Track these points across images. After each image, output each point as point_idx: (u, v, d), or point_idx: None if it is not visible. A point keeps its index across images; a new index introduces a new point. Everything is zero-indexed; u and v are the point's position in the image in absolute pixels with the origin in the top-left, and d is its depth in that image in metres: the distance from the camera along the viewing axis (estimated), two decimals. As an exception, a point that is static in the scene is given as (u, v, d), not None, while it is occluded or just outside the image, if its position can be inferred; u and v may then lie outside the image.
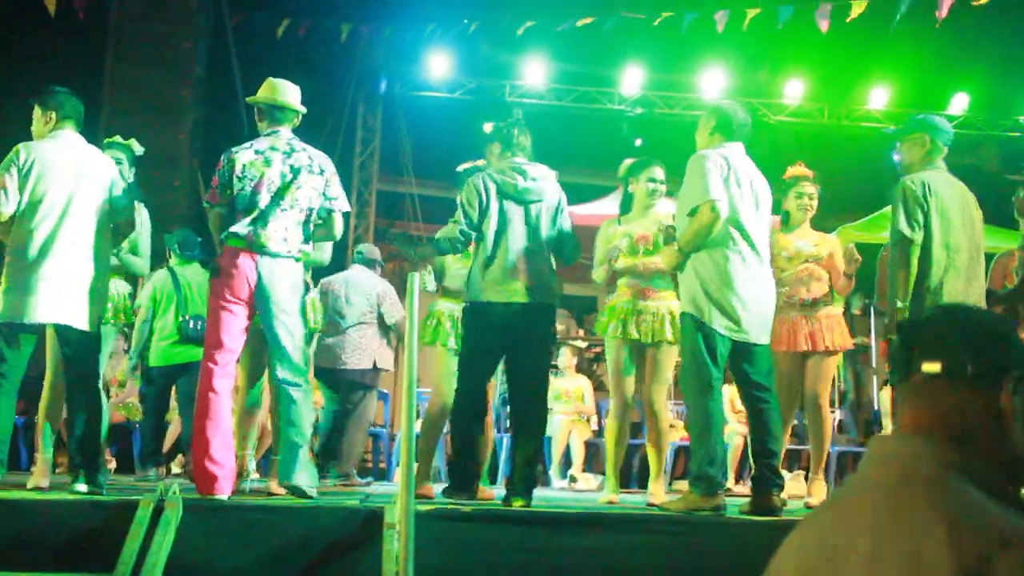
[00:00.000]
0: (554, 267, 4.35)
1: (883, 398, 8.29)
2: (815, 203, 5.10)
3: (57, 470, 6.42)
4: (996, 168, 13.50)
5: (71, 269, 3.95)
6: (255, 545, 3.28)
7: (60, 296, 3.90)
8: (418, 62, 11.54)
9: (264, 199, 3.92)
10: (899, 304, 3.98)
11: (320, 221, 4.10)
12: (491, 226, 4.20)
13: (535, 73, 11.55)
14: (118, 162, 4.55)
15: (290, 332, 3.94)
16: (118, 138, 4.94)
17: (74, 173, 4.03)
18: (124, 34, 10.52)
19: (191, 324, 5.85)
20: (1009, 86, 12.21)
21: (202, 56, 10.88)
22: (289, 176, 3.96)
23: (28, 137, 4.16)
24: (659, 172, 4.81)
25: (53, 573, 3.05)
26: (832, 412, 8.48)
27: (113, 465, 7.16)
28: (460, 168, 4.96)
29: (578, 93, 11.72)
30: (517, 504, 3.92)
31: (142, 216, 4.73)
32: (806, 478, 5.26)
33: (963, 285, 4.04)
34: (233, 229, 3.91)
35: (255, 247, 3.88)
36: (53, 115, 4.14)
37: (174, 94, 10.45)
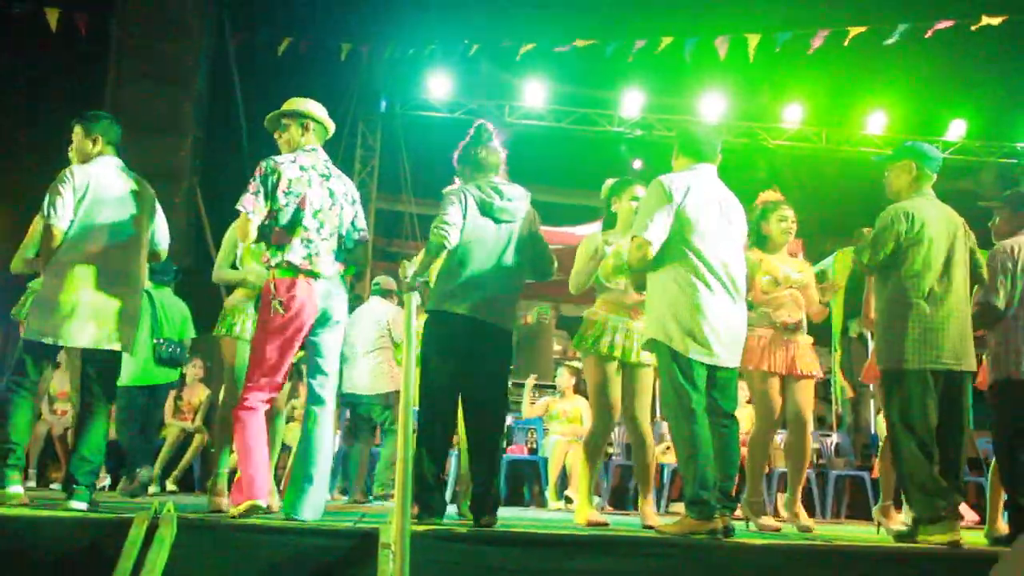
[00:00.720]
0: (519, 291, 4.35)
1: (880, 422, 8.27)
2: (795, 226, 5.20)
3: (51, 485, 6.40)
4: (993, 193, 13.56)
5: (111, 295, 4.04)
6: (249, 564, 3.25)
7: (97, 320, 4.00)
8: (418, 82, 11.61)
9: (310, 221, 3.89)
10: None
11: (349, 248, 4.10)
12: (465, 239, 4.17)
13: (535, 94, 11.61)
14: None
15: (336, 351, 3.99)
16: None
17: (120, 199, 4.15)
18: (125, 51, 10.56)
19: (165, 347, 5.94)
20: (1006, 112, 12.30)
21: (203, 73, 10.92)
22: (329, 201, 3.96)
23: (30, 152, 4.20)
24: (641, 191, 4.80)
25: (45, 590, 3.02)
26: (829, 436, 8.49)
27: (107, 482, 7.13)
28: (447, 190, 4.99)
29: (577, 115, 11.79)
30: (485, 523, 3.93)
31: None
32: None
33: (945, 307, 4.17)
34: (287, 258, 3.84)
35: (310, 274, 3.86)
36: (100, 139, 4.27)
37: (175, 111, 10.48)
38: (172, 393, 7.88)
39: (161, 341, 5.82)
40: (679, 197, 3.95)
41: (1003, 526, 4.76)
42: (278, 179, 3.86)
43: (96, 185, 4.10)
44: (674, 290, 3.93)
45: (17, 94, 10.15)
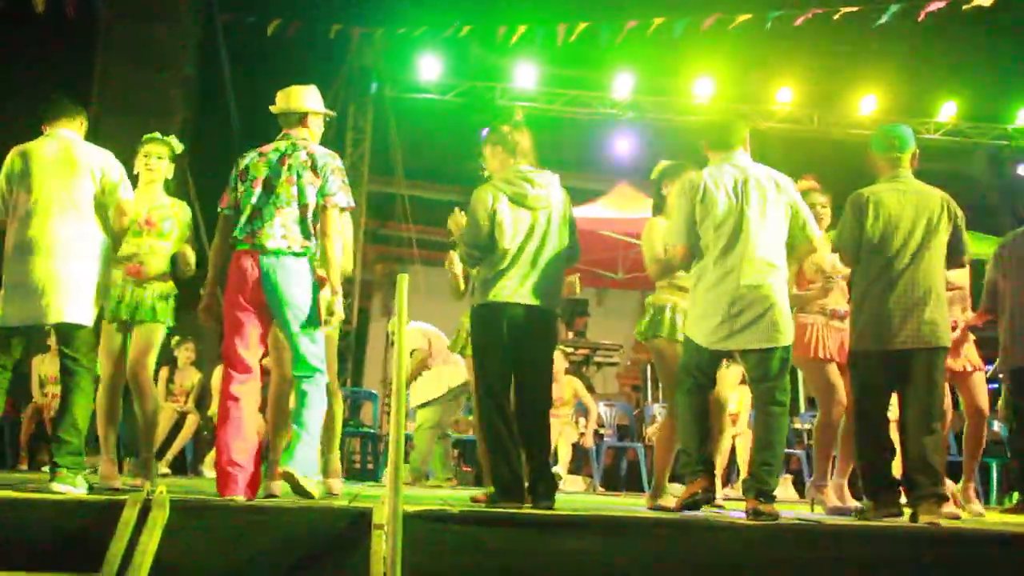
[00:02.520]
0: (561, 275, 4.41)
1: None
2: (828, 212, 5.18)
3: (43, 468, 6.39)
4: (984, 175, 13.59)
5: (67, 266, 4.00)
6: (242, 545, 3.26)
7: (58, 295, 3.97)
8: (409, 64, 11.54)
9: (257, 196, 3.95)
10: None
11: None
12: (504, 235, 4.22)
13: (526, 76, 11.55)
14: (158, 158, 4.82)
15: (298, 328, 3.93)
16: (157, 134, 4.98)
17: (63, 168, 4.09)
18: (113, 33, 10.46)
19: None
20: (996, 95, 12.30)
21: (192, 56, 10.83)
22: (284, 173, 3.96)
23: (16, 133, 4.19)
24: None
25: (38, 573, 3.02)
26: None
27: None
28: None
29: (569, 97, 11.75)
30: (544, 507, 4.00)
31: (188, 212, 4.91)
32: (795, 483, 5.28)
33: (899, 287, 4.21)
34: (235, 234, 3.96)
35: (255, 246, 3.90)
36: (47, 122, 4.27)
37: (163, 94, 10.39)
38: (164, 376, 7.89)
39: None
40: (698, 195, 4.13)
41: None
42: (238, 169, 4.04)
43: (31, 159, 4.09)
44: (699, 277, 4.15)
45: (2, 79, 10.06)
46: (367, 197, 11.55)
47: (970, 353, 5.45)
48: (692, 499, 4.00)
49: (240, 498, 3.68)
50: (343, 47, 11.21)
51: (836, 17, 8.91)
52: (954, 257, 4.38)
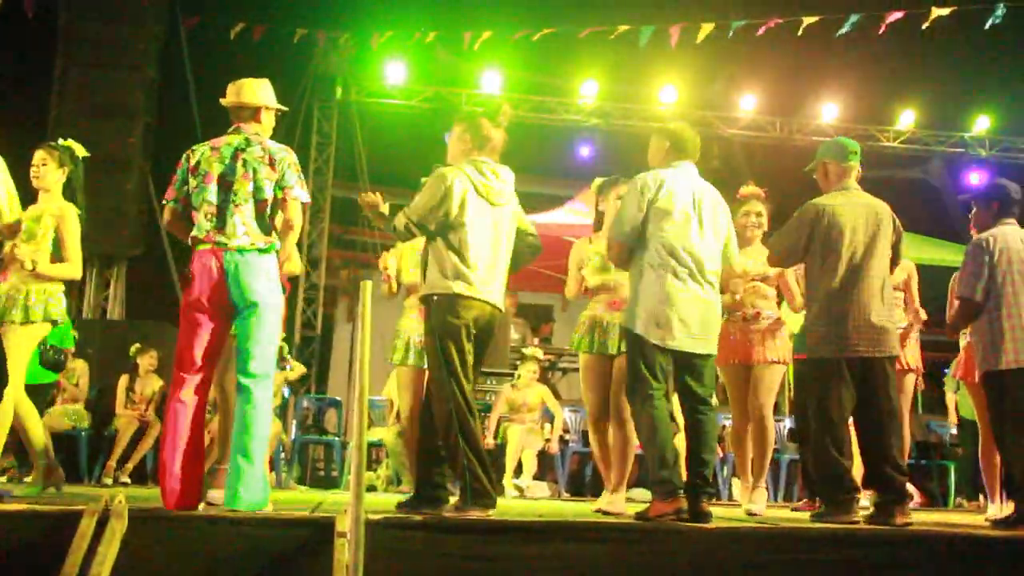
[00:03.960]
0: (507, 274, 4.32)
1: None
2: (764, 221, 5.31)
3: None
4: (942, 182, 13.82)
5: None
6: (203, 556, 3.22)
7: None
8: (375, 69, 11.51)
9: (213, 193, 3.85)
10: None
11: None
12: (464, 223, 4.08)
13: (492, 82, 11.57)
14: (42, 164, 4.67)
15: (256, 327, 3.81)
16: (60, 140, 4.88)
17: None
18: (74, 34, 10.30)
19: (52, 353, 6.21)
20: (954, 103, 12.52)
21: (154, 58, 10.71)
22: (240, 170, 3.88)
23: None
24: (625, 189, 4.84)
25: (-8, 586, 2.97)
26: (781, 420, 8.60)
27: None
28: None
29: (534, 103, 11.78)
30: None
31: (71, 216, 4.71)
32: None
33: (857, 296, 4.30)
34: (194, 233, 3.86)
35: (218, 244, 3.81)
36: None
37: (125, 96, 10.26)
38: (123, 383, 7.78)
39: (48, 347, 5.98)
40: (651, 193, 4.12)
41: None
42: (188, 163, 3.93)
43: None
44: (645, 279, 4.10)
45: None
46: (332, 202, 11.50)
47: (909, 354, 5.59)
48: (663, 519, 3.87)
49: (197, 510, 3.61)
50: (308, 51, 11.17)
51: (800, 32, 9.02)
52: (894, 265, 4.51)
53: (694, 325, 4.05)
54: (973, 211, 4.87)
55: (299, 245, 11.24)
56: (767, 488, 5.48)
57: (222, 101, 4.10)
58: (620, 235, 4.17)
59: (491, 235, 4.14)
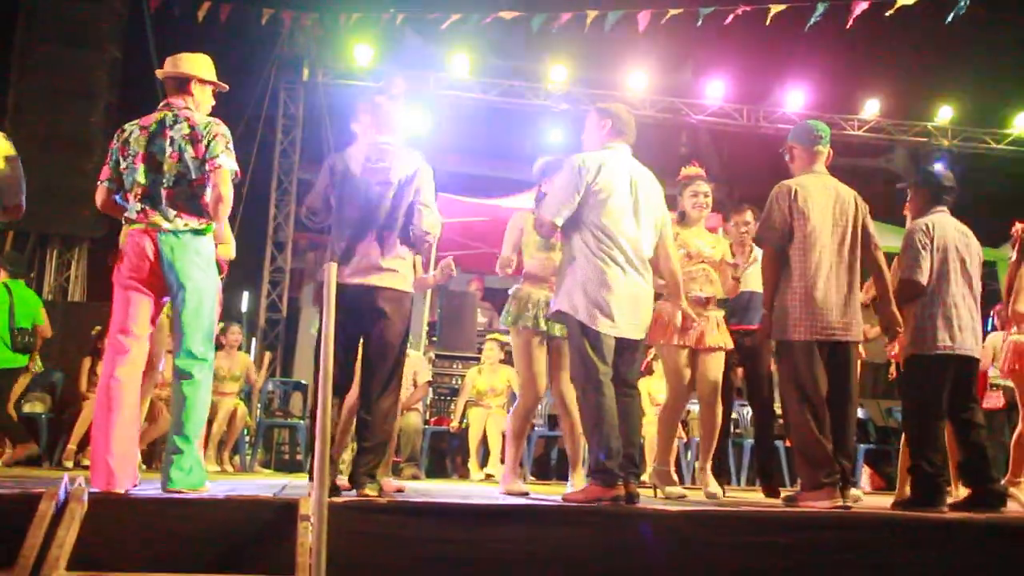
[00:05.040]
0: (409, 251, 4.24)
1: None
2: (709, 201, 5.33)
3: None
4: (906, 170, 13.99)
5: None
6: (165, 538, 3.20)
7: None
8: (341, 51, 11.40)
9: (142, 174, 3.79)
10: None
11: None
12: (347, 206, 4.11)
13: (461, 66, 11.52)
14: None
15: (194, 309, 3.77)
16: None
17: None
18: (36, 13, 10.12)
19: (21, 336, 6.39)
20: (917, 92, 12.65)
21: (118, 38, 10.55)
22: (168, 149, 3.80)
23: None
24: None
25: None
26: (746, 405, 8.69)
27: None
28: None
29: (503, 87, 11.75)
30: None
31: None
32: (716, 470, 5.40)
33: (830, 279, 4.34)
34: (126, 214, 3.83)
35: (151, 226, 3.76)
36: None
37: (88, 76, 10.11)
38: (87, 365, 7.70)
39: (17, 330, 6.00)
40: (590, 176, 4.08)
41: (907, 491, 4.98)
42: (119, 141, 3.86)
43: None
44: (582, 264, 4.08)
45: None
46: (298, 184, 11.40)
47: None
48: (617, 502, 3.90)
49: (120, 491, 3.56)
50: (275, 32, 11.03)
51: (767, 22, 9.07)
52: (867, 250, 4.51)
53: (630, 312, 4.08)
54: (909, 197, 4.95)
55: (264, 228, 11.24)
56: (731, 472, 5.55)
57: (157, 72, 4.02)
58: (555, 215, 4.12)
59: (373, 213, 4.11)
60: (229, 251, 4.77)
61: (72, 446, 7.32)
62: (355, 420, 4.29)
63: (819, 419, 4.28)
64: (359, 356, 4.18)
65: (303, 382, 9.47)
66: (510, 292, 4.95)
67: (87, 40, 10.09)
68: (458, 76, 11.57)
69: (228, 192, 3.83)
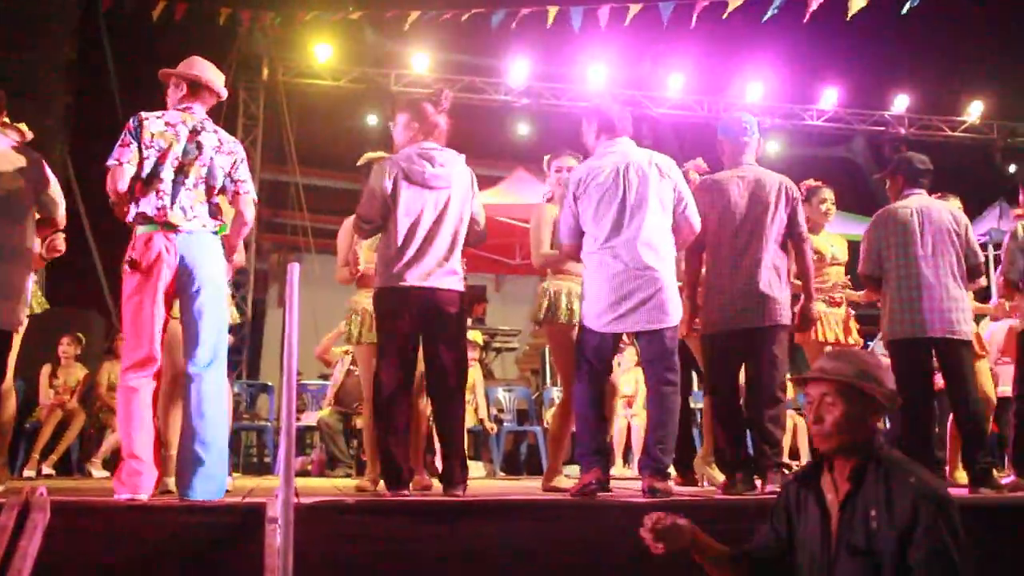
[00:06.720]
0: (460, 254, 4.32)
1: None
2: (834, 208, 5.63)
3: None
4: (866, 160, 14.17)
5: None
6: (130, 546, 3.16)
7: None
8: (302, 49, 11.33)
9: (168, 173, 3.74)
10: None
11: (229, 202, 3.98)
12: (400, 213, 4.14)
13: (421, 63, 11.48)
14: None
15: (210, 309, 3.73)
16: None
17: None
18: (-14, 13, 9.95)
19: None
20: (875, 82, 12.82)
21: (73, 39, 10.39)
22: (195, 152, 3.79)
23: None
24: (573, 162, 4.85)
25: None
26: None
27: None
28: (362, 160, 4.91)
29: (464, 84, 11.73)
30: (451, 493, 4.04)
31: None
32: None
33: (746, 270, 4.37)
34: (141, 210, 3.70)
35: (167, 227, 3.69)
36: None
37: (43, 78, 9.94)
38: (47, 372, 7.59)
39: None
40: (575, 188, 4.19)
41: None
42: (141, 132, 3.75)
43: None
44: (588, 264, 4.19)
45: None
46: (260, 185, 11.31)
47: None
48: (585, 489, 3.94)
49: (143, 496, 3.52)
50: (233, 30, 10.92)
51: (725, 16, 9.14)
52: (794, 237, 4.53)
53: (631, 303, 4.05)
54: (887, 185, 5.02)
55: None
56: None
57: (184, 72, 3.95)
58: (565, 238, 4.28)
59: (427, 219, 4.15)
60: (240, 259, 4.75)
61: (35, 455, 7.22)
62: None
63: (729, 410, 4.41)
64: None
65: (269, 384, 9.40)
66: (540, 288, 4.93)
67: (41, 42, 9.91)
68: (418, 73, 11.54)
69: (251, 217, 3.97)
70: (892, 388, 2.62)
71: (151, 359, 3.68)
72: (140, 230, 3.71)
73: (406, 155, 4.24)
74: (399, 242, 4.12)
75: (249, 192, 3.93)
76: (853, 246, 5.53)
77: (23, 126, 4.77)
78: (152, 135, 3.76)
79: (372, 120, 11.80)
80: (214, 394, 3.70)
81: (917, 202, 4.77)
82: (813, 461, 2.75)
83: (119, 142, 3.75)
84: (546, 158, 5.12)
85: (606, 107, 4.40)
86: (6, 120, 4.70)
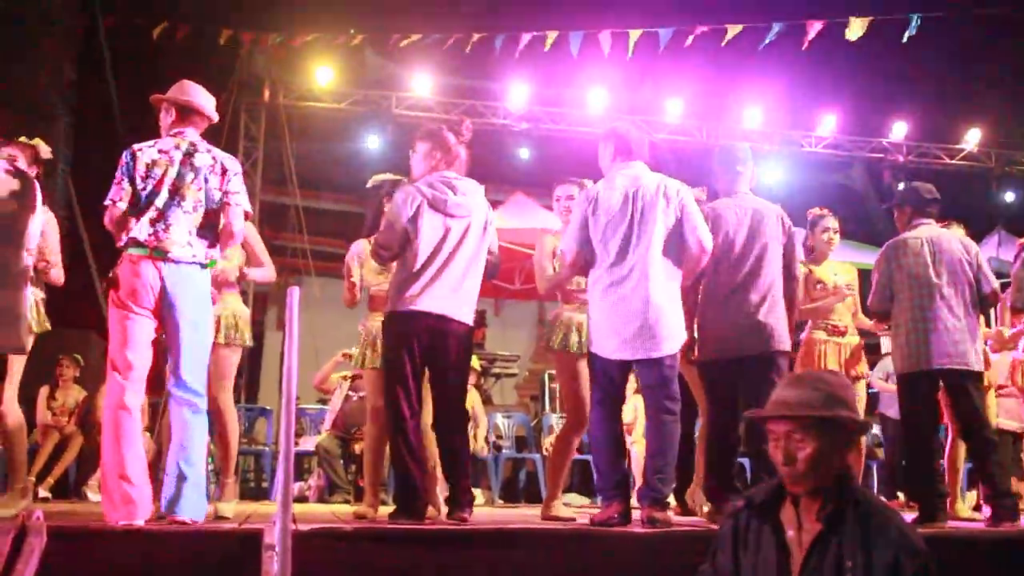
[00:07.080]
0: (478, 285, 4.33)
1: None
2: (838, 237, 5.61)
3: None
4: (865, 187, 14.20)
5: None
6: (127, 571, 3.14)
7: None
8: (303, 71, 11.37)
9: (163, 199, 3.75)
10: None
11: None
12: (420, 240, 4.16)
13: (422, 86, 11.53)
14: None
15: (192, 344, 3.75)
16: (23, 138, 4.74)
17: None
18: (-13, 34, 9.97)
19: None
20: (874, 109, 12.87)
21: (74, 58, 10.41)
22: (190, 176, 3.80)
23: None
24: (576, 191, 4.87)
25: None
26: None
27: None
28: (371, 182, 4.92)
29: (465, 107, 11.77)
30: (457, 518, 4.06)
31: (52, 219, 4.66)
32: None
33: (744, 299, 4.38)
34: (132, 234, 3.72)
35: (157, 253, 3.70)
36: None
37: (44, 99, 9.96)
38: (45, 393, 7.55)
39: None
40: (588, 206, 4.18)
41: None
42: (135, 165, 3.76)
43: None
44: (594, 290, 4.17)
45: None
46: (260, 207, 11.31)
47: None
48: (608, 522, 3.91)
49: (138, 521, 3.50)
50: (234, 52, 10.96)
51: (724, 43, 9.20)
52: (789, 268, 4.55)
53: (632, 329, 4.04)
54: (896, 216, 5.02)
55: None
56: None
57: (174, 98, 3.97)
58: (565, 246, 4.28)
59: (447, 248, 4.17)
60: (270, 273, 4.82)
61: (31, 477, 7.16)
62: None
63: (725, 439, 4.41)
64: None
65: (268, 408, 9.35)
66: (551, 316, 4.96)
67: (43, 62, 9.93)
68: (419, 96, 11.58)
69: (240, 229, 3.92)
70: (859, 413, 2.56)
71: (133, 373, 3.68)
72: (129, 251, 3.73)
73: (428, 182, 4.26)
74: (415, 268, 4.15)
75: (240, 204, 3.91)
76: (861, 274, 5.56)
77: (39, 142, 4.76)
78: (147, 165, 3.78)
79: (373, 143, 11.83)
80: (192, 424, 3.73)
81: (927, 232, 4.77)
82: (770, 487, 2.50)
83: (114, 179, 3.79)
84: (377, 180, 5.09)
85: (623, 130, 4.42)
86: (23, 139, 4.70)
